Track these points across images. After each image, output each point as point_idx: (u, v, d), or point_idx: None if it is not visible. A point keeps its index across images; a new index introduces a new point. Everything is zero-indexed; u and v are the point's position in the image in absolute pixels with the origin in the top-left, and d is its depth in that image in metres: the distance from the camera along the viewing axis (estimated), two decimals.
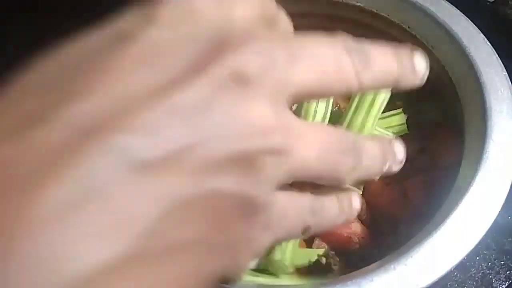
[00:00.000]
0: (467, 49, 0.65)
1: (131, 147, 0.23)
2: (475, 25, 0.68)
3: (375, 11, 0.76)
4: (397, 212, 0.66)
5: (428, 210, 0.60)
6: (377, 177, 0.43)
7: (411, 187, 0.67)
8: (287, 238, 0.53)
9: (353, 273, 0.62)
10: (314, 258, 0.61)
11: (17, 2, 1.12)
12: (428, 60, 0.46)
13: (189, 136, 0.25)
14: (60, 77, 0.28)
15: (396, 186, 0.68)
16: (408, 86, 0.43)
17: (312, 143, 0.33)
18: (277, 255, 0.58)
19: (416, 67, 0.42)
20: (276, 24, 0.39)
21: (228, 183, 0.26)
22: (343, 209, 0.44)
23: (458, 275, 0.71)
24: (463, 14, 0.69)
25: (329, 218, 0.43)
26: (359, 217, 0.65)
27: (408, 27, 0.73)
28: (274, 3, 0.39)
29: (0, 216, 0.20)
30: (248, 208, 0.28)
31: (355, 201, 0.46)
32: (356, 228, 0.64)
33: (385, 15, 0.75)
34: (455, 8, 0.70)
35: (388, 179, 0.67)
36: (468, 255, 0.52)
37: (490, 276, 0.71)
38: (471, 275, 0.71)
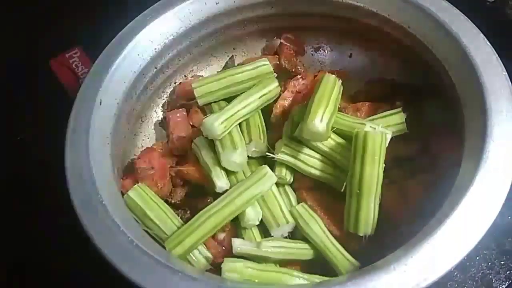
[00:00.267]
0: (467, 49, 0.65)
1: None
2: (475, 25, 0.68)
3: (375, 11, 0.76)
4: (397, 212, 0.66)
5: (428, 210, 0.60)
6: None
7: (411, 187, 0.68)
8: None
9: (353, 273, 0.63)
10: None
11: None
12: None
13: None
14: None
15: (396, 186, 0.68)
16: None
17: None
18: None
19: None
20: None
21: None
22: None
23: (458, 275, 0.71)
24: (463, 14, 0.69)
25: None
26: None
27: (408, 27, 0.73)
28: None
29: None
30: None
31: None
32: None
33: (385, 15, 0.75)
34: (455, 8, 0.70)
35: (388, 179, 0.67)
36: (468, 255, 0.53)
37: (490, 276, 0.71)
38: (471, 275, 0.72)
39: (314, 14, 0.83)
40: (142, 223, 0.65)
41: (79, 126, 0.66)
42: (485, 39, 0.66)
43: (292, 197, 0.71)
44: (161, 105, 0.85)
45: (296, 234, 0.69)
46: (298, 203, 0.70)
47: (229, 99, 0.75)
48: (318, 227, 0.67)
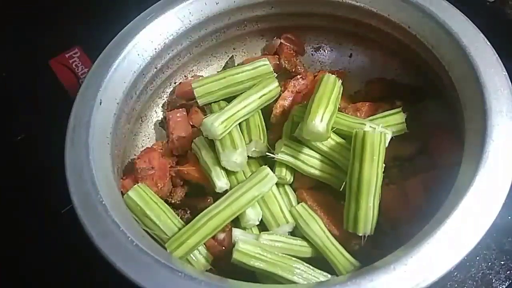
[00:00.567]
0: (467, 49, 0.65)
1: None
2: (475, 25, 0.68)
3: (375, 11, 0.76)
4: (397, 212, 0.66)
5: (428, 210, 0.60)
6: None
7: (411, 187, 0.68)
8: None
9: (353, 273, 0.63)
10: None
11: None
12: None
13: None
14: None
15: (396, 186, 0.68)
16: None
17: None
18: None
19: None
20: None
21: None
22: None
23: (458, 275, 0.71)
24: (463, 14, 0.69)
25: None
26: None
27: (408, 27, 0.73)
28: None
29: None
30: None
31: None
32: None
33: (385, 15, 0.75)
34: (455, 8, 0.70)
35: (388, 179, 0.67)
36: (468, 255, 0.52)
37: (490, 276, 0.71)
38: (471, 275, 0.72)
39: (314, 14, 0.83)
40: (142, 223, 0.65)
41: (79, 126, 0.66)
42: (485, 39, 0.66)
43: (292, 197, 0.71)
44: (161, 105, 0.85)
45: (296, 233, 0.69)
46: (298, 203, 0.70)
47: (229, 99, 0.75)
48: (318, 227, 0.67)
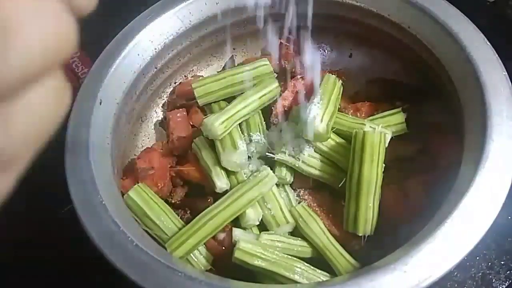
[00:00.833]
0: (467, 49, 0.65)
1: None
2: (475, 25, 0.68)
3: (375, 11, 0.76)
4: (397, 212, 0.66)
5: (428, 210, 0.60)
6: None
7: (411, 187, 0.68)
8: None
9: (353, 273, 0.63)
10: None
11: None
12: None
13: None
14: None
15: (396, 186, 0.68)
16: None
17: None
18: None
19: None
20: None
21: None
22: None
23: (458, 275, 0.71)
24: (463, 14, 0.69)
25: None
26: None
27: (408, 27, 0.73)
28: None
29: None
30: None
31: None
32: None
33: (385, 15, 0.75)
34: (455, 8, 0.70)
35: (388, 179, 0.67)
36: (468, 255, 0.53)
37: (490, 276, 0.71)
38: (471, 275, 0.71)
39: (314, 14, 0.83)
40: (142, 223, 0.65)
41: (79, 126, 0.66)
42: (485, 39, 0.66)
43: (292, 197, 0.71)
44: (161, 105, 0.85)
45: (296, 233, 0.69)
46: (298, 203, 0.70)
47: (229, 99, 0.75)
48: (318, 227, 0.67)
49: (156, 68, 0.79)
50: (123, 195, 0.67)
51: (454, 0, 0.70)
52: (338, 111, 0.70)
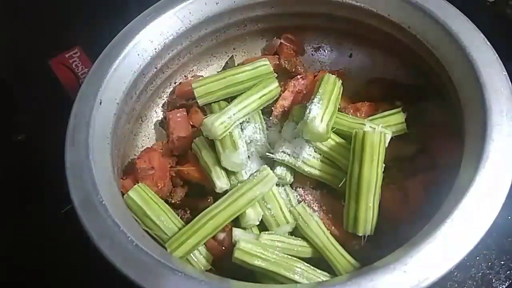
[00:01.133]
0: (467, 49, 0.65)
1: None
2: (475, 25, 0.68)
3: (375, 11, 0.76)
4: (397, 212, 0.66)
5: (428, 210, 0.60)
6: None
7: (411, 187, 0.68)
8: None
9: (353, 273, 0.63)
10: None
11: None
12: None
13: None
14: None
15: (396, 186, 0.68)
16: None
17: None
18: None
19: None
20: None
21: None
22: None
23: (458, 275, 0.71)
24: (463, 14, 0.69)
25: None
26: None
27: (408, 27, 0.73)
28: None
29: None
30: None
31: None
32: None
33: (385, 15, 0.75)
34: (455, 8, 0.70)
35: (388, 179, 0.67)
36: (468, 255, 0.53)
37: (490, 276, 0.71)
38: (471, 275, 0.72)
39: (314, 14, 0.83)
40: (142, 223, 0.65)
41: (79, 126, 0.66)
42: (485, 39, 0.66)
43: (292, 197, 0.71)
44: (161, 105, 0.85)
45: (296, 233, 0.69)
46: (298, 203, 0.70)
47: (229, 99, 0.75)
48: (317, 227, 0.67)
49: (156, 68, 0.79)
50: (123, 195, 0.67)
51: (454, 0, 0.70)
52: (338, 111, 0.70)
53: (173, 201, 0.73)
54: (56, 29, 1.06)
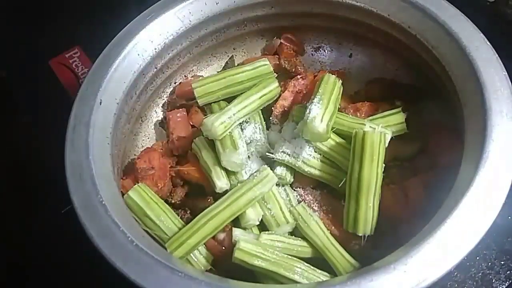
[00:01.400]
0: (467, 49, 0.65)
1: None
2: (475, 25, 0.68)
3: (375, 11, 0.76)
4: (397, 212, 0.66)
5: (428, 210, 0.60)
6: None
7: (411, 187, 0.68)
8: None
9: (353, 273, 0.63)
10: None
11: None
12: None
13: None
14: None
15: (396, 186, 0.68)
16: None
17: None
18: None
19: None
20: None
21: None
22: None
23: (458, 275, 0.71)
24: (463, 14, 0.69)
25: None
26: None
27: (408, 27, 0.73)
28: None
29: None
30: None
31: None
32: None
33: (385, 15, 0.75)
34: (455, 8, 0.70)
35: (388, 179, 0.67)
36: (468, 255, 0.53)
37: (490, 276, 0.71)
38: (471, 275, 0.72)
39: (314, 14, 0.83)
40: (142, 223, 0.65)
41: (79, 126, 0.66)
42: (485, 39, 0.66)
43: (292, 197, 0.71)
44: (161, 105, 0.85)
45: (296, 233, 0.69)
46: (298, 203, 0.70)
47: (229, 99, 0.75)
48: (317, 227, 0.67)
49: (156, 68, 0.79)
50: (123, 195, 0.67)
51: (454, 0, 0.70)
52: (338, 111, 0.70)
53: (173, 201, 0.73)
54: (56, 29, 1.06)
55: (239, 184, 0.69)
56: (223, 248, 0.67)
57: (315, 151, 0.70)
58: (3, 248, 0.83)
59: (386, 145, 0.66)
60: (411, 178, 0.69)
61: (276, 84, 0.77)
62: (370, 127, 0.67)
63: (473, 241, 0.53)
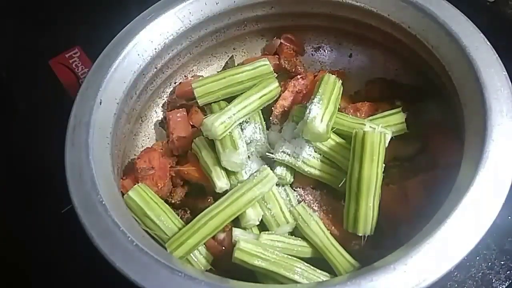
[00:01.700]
0: (467, 49, 0.65)
1: None
2: (475, 25, 0.68)
3: (375, 11, 0.76)
4: (397, 212, 0.66)
5: (428, 210, 0.60)
6: None
7: (411, 187, 0.67)
8: None
9: (353, 273, 0.63)
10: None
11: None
12: None
13: None
14: None
15: (396, 186, 0.68)
16: None
17: None
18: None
19: None
20: None
21: None
22: None
23: (458, 275, 0.71)
24: (463, 14, 0.69)
25: None
26: None
27: (408, 27, 0.73)
28: None
29: None
30: None
31: None
32: None
33: (385, 15, 0.75)
34: (455, 8, 0.70)
35: (388, 179, 0.67)
36: (468, 255, 0.53)
37: (490, 276, 0.71)
38: (471, 275, 0.72)
39: (314, 14, 0.83)
40: (142, 223, 0.65)
41: (79, 126, 0.66)
42: (485, 39, 0.66)
43: (292, 197, 0.71)
44: (161, 105, 0.85)
45: (296, 233, 0.69)
46: (298, 203, 0.70)
47: (229, 99, 0.75)
48: (317, 227, 0.67)
49: (156, 68, 0.79)
50: (123, 195, 0.67)
51: (454, 0, 0.70)
52: (338, 111, 0.70)
53: (173, 201, 0.73)
54: (56, 29, 1.06)
55: (239, 184, 0.69)
56: (223, 248, 0.67)
57: (315, 151, 0.70)
58: (3, 248, 0.83)
59: (386, 145, 0.66)
60: (411, 178, 0.68)
61: (276, 84, 0.77)
62: (370, 127, 0.67)
63: (473, 241, 0.53)
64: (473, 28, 0.67)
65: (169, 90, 0.86)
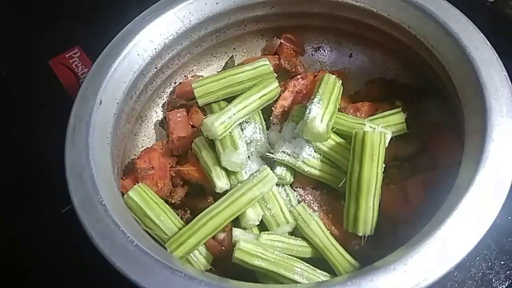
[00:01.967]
0: (467, 49, 0.65)
1: None
2: (475, 25, 0.68)
3: (375, 11, 0.76)
4: (397, 212, 0.66)
5: (428, 210, 0.60)
6: None
7: (411, 187, 0.68)
8: None
9: (353, 273, 0.63)
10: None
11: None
12: None
13: None
14: None
15: (396, 186, 0.68)
16: None
17: None
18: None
19: None
20: None
21: None
22: None
23: (458, 275, 0.71)
24: (463, 14, 0.69)
25: None
26: None
27: (408, 27, 0.73)
28: None
29: None
30: None
31: None
32: None
33: (385, 15, 0.75)
34: (455, 8, 0.70)
35: (388, 179, 0.67)
36: (468, 255, 0.53)
37: (490, 276, 0.71)
38: (471, 275, 0.72)
39: (314, 14, 0.83)
40: (142, 223, 0.65)
41: (79, 126, 0.66)
42: (485, 39, 0.66)
43: (292, 197, 0.71)
44: (161, 105, 0.85)
45: (296, 233, 0.69)
46: (298, 203, 0.70)
47: (229, 99, 0.75)
48: (317, 227, 0.67)
49: (156, 68, 0.79)
50: (123, 195, 0.67)
51: (454, 0, 0.70)
52: (338, 111, 0.70)
53: (173, 201, 0.73)
54: (56, 29, 1.06)
55: (239, 184, 0.69)
56: (223, 248, 0.67)
57: (315, 151, 0.70)
58: (3, 248, 0.83)
59: (386, 145, 0.66)
60: (411, 178, 0.69)
61: (276, 84, 0.77)
62: (370, 127, 0.67)
63: (473, 241, 0.53)
64: (473, 28, 0.67)
65: (169, 90, 0.86)
